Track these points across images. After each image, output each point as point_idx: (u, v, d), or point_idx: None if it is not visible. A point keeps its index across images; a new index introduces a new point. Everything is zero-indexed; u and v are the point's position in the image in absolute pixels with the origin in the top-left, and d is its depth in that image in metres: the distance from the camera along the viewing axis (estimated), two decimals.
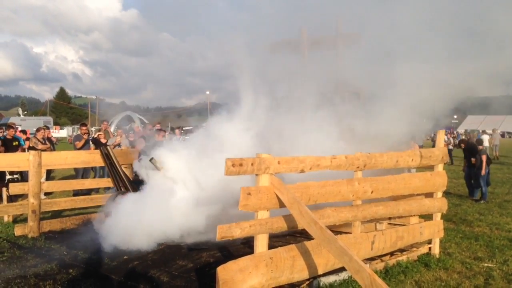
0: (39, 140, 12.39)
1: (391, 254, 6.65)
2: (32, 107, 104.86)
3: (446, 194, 12.20)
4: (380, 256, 6.45)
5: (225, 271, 4.61)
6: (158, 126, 18.90)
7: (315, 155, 5.45)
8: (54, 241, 7.67)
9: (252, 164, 4.73)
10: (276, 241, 6.60)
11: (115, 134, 15.35)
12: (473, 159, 12.75)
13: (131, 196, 7.13)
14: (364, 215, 6.01)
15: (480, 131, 28.75)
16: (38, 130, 13.02)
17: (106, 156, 8.61)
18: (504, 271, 6.47)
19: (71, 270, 6.06)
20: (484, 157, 12.50)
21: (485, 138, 23.81)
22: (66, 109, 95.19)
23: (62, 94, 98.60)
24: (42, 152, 8.39)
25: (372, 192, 6.05)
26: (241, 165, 4.64)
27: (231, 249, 6.78)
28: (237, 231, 4.68)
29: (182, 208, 6.89)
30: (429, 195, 7.05)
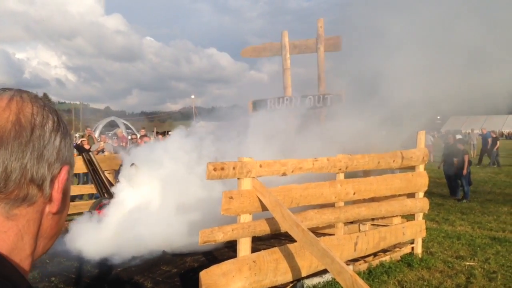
0: None
1: (374, 254, 6.71)
2: None
3: (429, 194, 12.38)
4: (363, 257, 6.50)
5: (208, 276, 4.61)
6: (142, 132, 18.83)
7: (297, 158, 5.49)
8: None
9: (233, 168, 4.75)
10: (260, 244, 6.62)
11: (99, 140, 15.21)
12: (455, 159, 12.91)
13: (111, 204, 7.07)
14: (347, 216, 6.06)
15: (462, 131, 29.30)
16: None
17: (89, 163, 8.55)
18: (486, 269, 6.57)
19: (53, 278, 5.98)
20: (466, 157, 12.69)
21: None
22: None
23: (45, 100, 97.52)
24: None
25: (354, 193, 6.10)
26: (222, 169, 4.65)
27: (216, 253, 6.77)
28: (219, 235, 4.68)
29: (164, 214, 6.85)
30: (411, 195, 7.13)
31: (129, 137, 17.29)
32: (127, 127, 39.28)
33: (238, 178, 4.88)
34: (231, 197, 4.73)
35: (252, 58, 10.04)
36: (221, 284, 4.62)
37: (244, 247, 4.92)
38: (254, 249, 5.10)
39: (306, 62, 9.62)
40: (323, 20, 8.82)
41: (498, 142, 23.51)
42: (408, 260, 6.82)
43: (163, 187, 7.10)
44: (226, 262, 4.80)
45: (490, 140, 22.72)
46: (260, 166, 4.99)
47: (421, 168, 7.15)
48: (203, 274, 4.61)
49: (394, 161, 6.67)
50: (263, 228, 5.07)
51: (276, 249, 5.23)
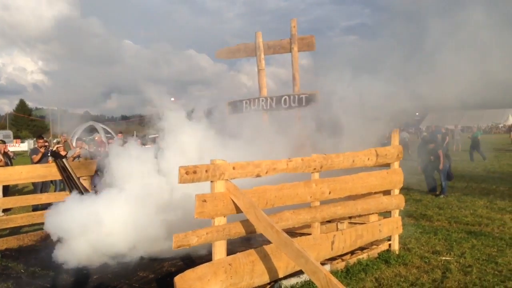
0: None
1: (352, 253, 6.75)
2: None
3: (407, 190, 12.52)
4: (341, 256, 6.52)
5: (183, 280, 4.56)
6: (120, 136, 18.60)
7: (271, 159, 5.48)
8: (11, 258, 7.40)
9: (206, 171, 4.71)
10: (239, 246, 6.58)
11: (75, 145, 14.97)
12: (431, 157, 13.11)
13: (85, 208, 6.96)
14: (323, 216, 6.07)
15: (443, 127, 29.89)
16: None
17: (63, 169, 8.41)
18: (461, 263, 6.65)
19: None
20: (440, 152, 12.90)
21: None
22: (27, 121, 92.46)
23: (22, 107, 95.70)
24: None
25: (330, 192, 6.12)
26: (195, 172, 4.61)
27: (194, 257, 6.72)
28: (193, 239, 4.64)
29: (142, 217, 6.76)
30: (387, 192, 7.19)
31: (107, 142, 17.09)
32: (107, 132, 38.79)
33: (211, 181, 4.85)
34: (205, 200, 4.69)
35: (228, 59, 10.02)
36: None
37: (219, 250, 4.88)
38: (231, 252, 5.08)
39: (285, 61, 9.66)
40: (297, 20, 8.86)
41: (448, 137, 25.56)
42: (385, 257, 6.87)
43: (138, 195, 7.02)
44: (201, 266, 4.76)
45: (440, 136, 23.57)
46: (234, 168, 4.97)
47: (396, 165, 7.21)
48: (178, 279, 4.57)
49: (368, 159, 6.71)
50: (238, 231, 5.04)
51: (252, 251, 5.21)
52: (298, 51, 8.87)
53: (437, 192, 12.98)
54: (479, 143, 24.08)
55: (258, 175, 5.27)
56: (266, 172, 5.34)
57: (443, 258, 6.93)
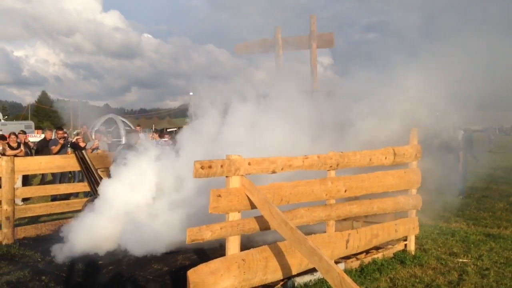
0: (9, 146, 12.17)
1: (367, 252, 6.68)
2: (14, 112, 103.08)
3: (426, 189, 12.33)
4: (355, 255, 6.47)
5: (196, 274, 4.57)
6: (138, 129, 18.78)
7: (288, 155, 5.44)
8: (29, 247, 7.55)
9: (221, 166, 4.70)
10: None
11: (94, 137, 15.15)
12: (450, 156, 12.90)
13: (102, 201, 7.03)
14: (338, 214, 6.02)
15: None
16: (9, 135, 12.80)
17: (82, 161, 8.52)
18: (479, 266, 6.54)
19: (43, 277, 5.96)
20: (461, 154, 12.68)
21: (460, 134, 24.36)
22: (48, 112, 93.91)
23: (44, 98, 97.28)
24: (15, 158, 8.26)
25: (345, 191, 6.06)
26: (210, 167, 4.60)
27: (208, 251, 6.74)
28: (207, 234, 4.64)
29: (157, 210, 6.82)
30: (404, 192, 7.09)
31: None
32: (126, 125, 39.14)
33: (226, 176, 4.84)
34: (219, 195, 4.69)
35: (247, 54, 10.00)
36: (209, 283, 4.59)
37: (233, 245, 4.88)
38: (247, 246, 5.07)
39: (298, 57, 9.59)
40: (316, 16, 8.78)
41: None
42: (401, 257, 6.80)
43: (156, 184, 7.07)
44: (214, 260, 4.76)
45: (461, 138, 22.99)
46: (249, 164, 4.95)
47: (414, 164, 7.11)
48: (191, 273, 4.58)
49: (386, 157, 6.62)
50: (252, 226, 5.03)
51: (265, 247, 5.20)
52: (317, 48, 8.81)
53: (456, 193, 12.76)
54: (472, 143, 23.32)
55: (273, 172, 5.25)
56: (282, 169, 5.32)
57: (460, 260, 6.82)
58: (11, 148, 12.21)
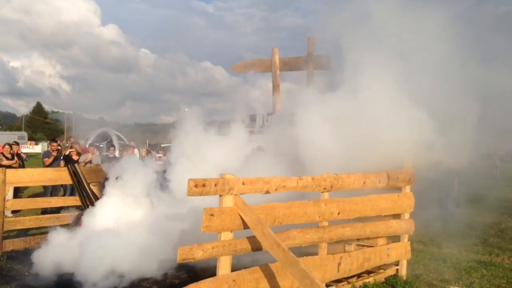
0: (4, 156, 12.09)
1: (358, 276, 6.63)
2: (8, 122, 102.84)
3: (418, 214, 12.32)
4: (347, 278, 6.42)
5: None
6: (132, 144, 18.74)
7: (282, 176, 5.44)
8: (16, 261, 7.44)
9: (215, 185, 4.69)
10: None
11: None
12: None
13: (91, 218, 6.97)
14: (331, 236, 6.00)
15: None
16: (3, 146, 12.73)
17: (74, 174, 8.45)
18: None
19: None
20: (455, 180, 12.73)
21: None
22: (42, 124, 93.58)
23: (38, 109, 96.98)
24: (7, 169, 8.19)
25: (338, 213, 6.05)
26: (204, 185, 4.59)
27: (198, 270, 6.65)
28: (199, 253, 4.60)
29: (147, 228, 6.75)
30: (397, 216, 7.09)
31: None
32: (120, 138, 39.10)
33: (220, 195, 4.82)
34: (212, 214, 4.66)
35: (243, 73, 10.06)
36: None
37: (224, 265, 4.83)
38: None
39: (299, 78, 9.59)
40: (313, 39, 8.87)
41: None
42: (392, 282, 6.75)
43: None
44: (205, 280, 4.71)
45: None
46: (243, 183, 4.94)
47: (407, 189, 7.11)
48: None
49: (380, 181, 6.63)
50: (244, 247, 4.99)
51: (257, 268, 5.15)
52: (314, 70, 8.88)
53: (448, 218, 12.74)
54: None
55: (267, 192, 5.24)
56: (276, 189, 5.31)
57: (451, 287, 6.79)
58: (7, 158, 12.13)
